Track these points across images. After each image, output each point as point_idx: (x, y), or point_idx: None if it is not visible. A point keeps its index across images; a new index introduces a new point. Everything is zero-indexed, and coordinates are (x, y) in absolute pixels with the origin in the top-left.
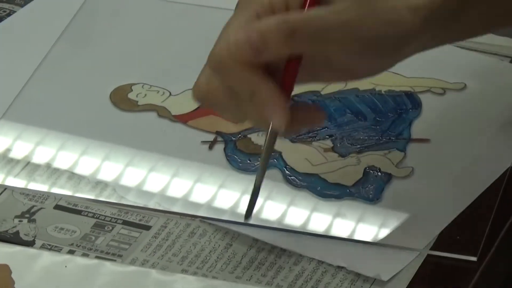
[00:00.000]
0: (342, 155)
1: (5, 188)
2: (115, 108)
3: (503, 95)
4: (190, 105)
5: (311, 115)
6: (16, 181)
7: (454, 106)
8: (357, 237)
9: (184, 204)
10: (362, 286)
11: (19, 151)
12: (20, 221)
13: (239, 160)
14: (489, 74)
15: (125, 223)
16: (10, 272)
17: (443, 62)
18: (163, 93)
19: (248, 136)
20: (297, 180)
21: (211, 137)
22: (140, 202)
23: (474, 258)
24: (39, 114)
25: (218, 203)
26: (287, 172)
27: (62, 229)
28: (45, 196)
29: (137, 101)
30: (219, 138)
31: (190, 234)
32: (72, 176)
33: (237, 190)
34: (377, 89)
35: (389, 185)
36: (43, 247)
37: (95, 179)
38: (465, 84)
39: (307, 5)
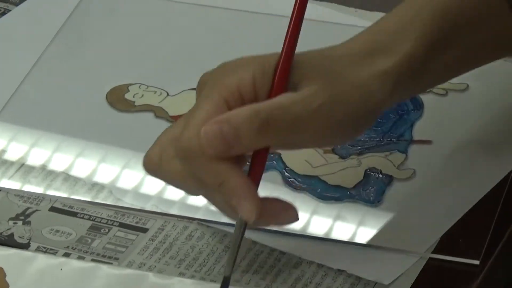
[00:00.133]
0: (343, 157)
1: (0, 189)
2: (111, 109)
3: (506, 96)
4: (188, 105)
5: (283, 212)
6: (10, 183)
7: (457, 107)
8: (357, 240)
9: (182, 206)
10: None
11: (14, 152)
12: (14, 223)
13: None
14: (492, 75)
15: (122, 225)
16: (5, 275)
17: None
18: (160, 93)
19: None
20: (296, 182)
21: None
22: (137, 204)
23: (476, 262)
24: (34, 115)
25: None
26: (286, 174)
27: (57, 231)
28: (40, 198)
29: (134, 102)
30: None
31: (188, 236)
32: (68, 177)
33: None
34: None
35: (390, 187)
36: (38, 249)
37: (91, 181)
38: (468, 85)
39: (275, 92)
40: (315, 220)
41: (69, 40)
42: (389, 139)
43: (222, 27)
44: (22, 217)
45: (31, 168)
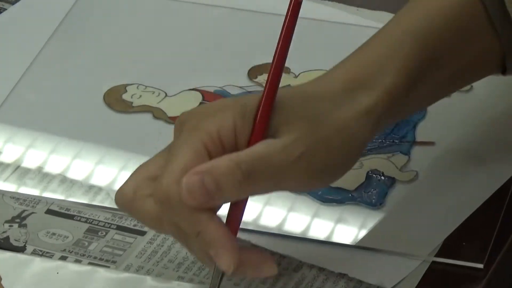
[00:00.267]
0: None
1: None
2: (109, 110)
3: (509, 97)
4: (186, 106)
5: (261, 264)
6: (6, 185)
7: (460, 108)
8: (359, 243)
9: None
10: None
11: (10, 153)
12: (10, 226)
13: None
14: (496, 75)
15: (119, 228)
16: (0, 279)
17: None
18: (159, 94)
19: None
20: None
21: None
22: None
23: (480, 266)
24: (30, 116)
25: None
26: None
27: (54, 234)
28: (37, 200)
29: (132, 102)
30: None
31: None
32: (64, 179)
33: None
34: None
35: (393, 190)
36: (34, 253)
37: (88, 183)
38: (472, 86)
39: (255, 138)
40: (316, 223)
41: (66, 40)
42: (391, 140)
43: (222, 27)
44: (18, 220)
45: (27, 170)
